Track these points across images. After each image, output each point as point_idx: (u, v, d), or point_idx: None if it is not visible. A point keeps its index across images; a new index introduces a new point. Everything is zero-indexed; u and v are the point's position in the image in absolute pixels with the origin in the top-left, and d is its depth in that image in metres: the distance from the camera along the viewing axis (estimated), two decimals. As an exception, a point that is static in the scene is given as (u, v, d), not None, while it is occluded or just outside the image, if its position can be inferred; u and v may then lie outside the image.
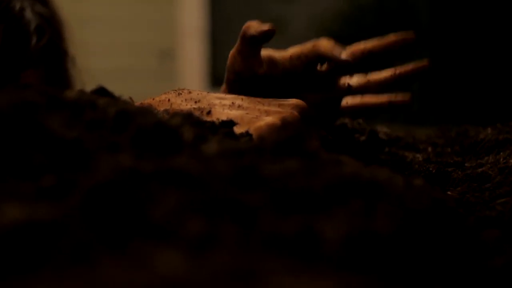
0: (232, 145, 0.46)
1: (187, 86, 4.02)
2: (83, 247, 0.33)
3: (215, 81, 3.90)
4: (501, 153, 0.75)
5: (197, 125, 0.54)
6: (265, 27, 0.77)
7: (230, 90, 0.80)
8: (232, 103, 0.72)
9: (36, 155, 0.45)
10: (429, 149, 0.86)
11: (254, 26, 0.77)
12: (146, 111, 0.52)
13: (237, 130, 0.66)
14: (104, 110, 0.50)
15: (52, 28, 1.14)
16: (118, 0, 3.91)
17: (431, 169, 0.72)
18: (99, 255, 0.33)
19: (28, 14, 1.09)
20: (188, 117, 0.53)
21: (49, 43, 1.12)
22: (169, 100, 0.73)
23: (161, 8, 3.93)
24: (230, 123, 0.66)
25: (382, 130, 0.90)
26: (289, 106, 0.72)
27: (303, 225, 0.35)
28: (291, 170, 0.42)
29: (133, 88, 3.60)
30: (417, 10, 3.87)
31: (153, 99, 0.74)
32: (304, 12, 4.23)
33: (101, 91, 0.59)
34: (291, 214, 0.37)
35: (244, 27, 0.78)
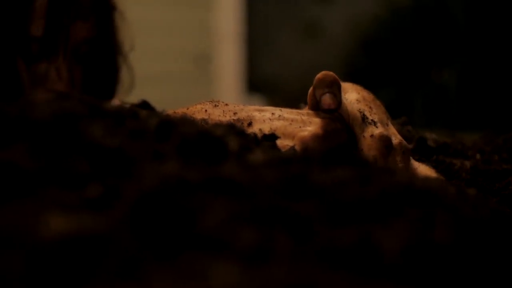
0: (279, 154, 0.44)
1: (223, 90, 4.03)
2: (133, 261, 0.32)
3: (251, 85, 3.89)
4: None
5: (241, 135, 0.53)
6: (333, 105, 0.72)
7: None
8: (272, 114, 0.71)
9: (79, 164, 0.44)
10: (477, 156, 0.84)
11: (326, 100, 0.74)
12: (189, 121, 0.51)
13: (281, 140, 0.65)
14: (146, 120, 0.49)
15: None
16: (154, 5, 3.92)
17: (480, 178, 0.70)
18: (149, 268, 0.32)
19: None
20: (231, 127, 0.52)
21: None
22: (206, 110, 0.71)
23: (197, 13, 3.93)
24: (273, 134, 0.65)
25: (431, 137, 0.88)
26: (329, 116, 0.71)
27: (360, 236, 0.34)
28: (343, 179, 0.40)
29: (169, 93, 3.60)
30: (455, 12, 3.83)
31: (187, 108, 0.72)
32: (340, 16, 4.21)
33: (144, 105, 0.58)
34: (347, 224, 0.36)
35: (316, 82, 0.73)
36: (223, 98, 3.54)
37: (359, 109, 0.73)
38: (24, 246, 0.34)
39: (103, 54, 1.13)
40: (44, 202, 0.40)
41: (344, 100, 0.73)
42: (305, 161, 0.43)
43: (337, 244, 0.33)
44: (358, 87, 0.80)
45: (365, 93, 0.78)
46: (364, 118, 0.72)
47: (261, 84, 4.11)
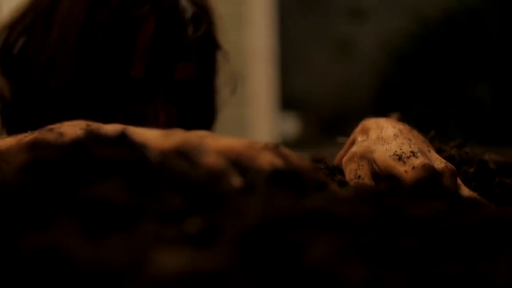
0: (370, 187, 0.45)
1: (256, 109, 4.02)
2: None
3: (284, 104, 3.90)
4: None
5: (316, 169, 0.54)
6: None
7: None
8: None
9: (173, 199, 0.45)
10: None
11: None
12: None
13: None
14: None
15: (207, 17, 1.05)
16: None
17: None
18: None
19: (184, 1, 0.99)
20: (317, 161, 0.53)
21: (205, 34, 1.03)
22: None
23: (230, 32, 3.95)
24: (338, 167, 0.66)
25: (491, 157, 0.88)
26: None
27: (467, 269, 0.35)
28: (437, 211, 0.41)
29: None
30: (488, 25, 3.82)
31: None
32: (372, 32, 4.21)
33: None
34: (450, 257, 0.36)
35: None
36: (257, 116, 3.54)
37: (395, 150, 0.75)
38: (137, 283, 0.35)
39: (201, 95, 1.08)
40: (145, 237, 0.41)
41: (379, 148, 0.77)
42: (397, 193, 0.44)
43: (445, 278, 0.34)
44: (393, 121, 0.81)
45: (401, 126, 0.80)
46: (400, 157, 0.74)
47: (294, 102, 4.12)
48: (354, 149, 0.78)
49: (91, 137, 0.47)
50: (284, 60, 4.01)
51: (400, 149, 0.75)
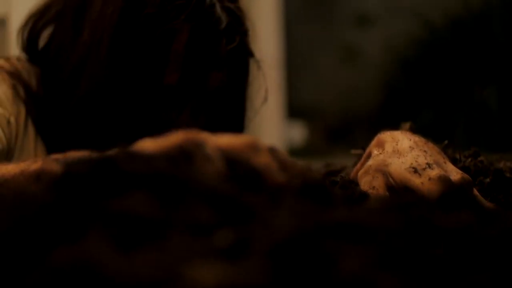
0: (397, 199, 0.46)
1: (263, 117, 4.01)
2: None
3: (291, 112, 3.90)
4: None
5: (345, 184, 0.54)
6: None
7: None
8: None
9: (201, 212, 0.46)
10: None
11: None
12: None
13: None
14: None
15: (242, 27, 1.03)
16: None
17: None
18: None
19: (218, 10, 0.98)
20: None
21: (239, 44, 1.02)
22: None
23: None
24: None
25: (506, 165, 0.87)
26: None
27: (500, 278, 0.35)
28: (466, 222, 0.41)
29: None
30: (493, 30, 3.82)
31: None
32: (378, 38, 4.21)
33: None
34: (484, 267, 0.37)
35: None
36: (263, 124, 3.54)
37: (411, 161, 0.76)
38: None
39: (232, 103, 1.07)
40: (176, 251, 0.41)
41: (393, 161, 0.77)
42: (424, 204, 0.44)
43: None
44: (408, 134, 0.82)
45: (416, 138, 0.81)
46: (416, 169, 0.74)
47: (301, 110, 4.12)
48: (370, 162, 0.79)
49: (119, 152, 0.47)
50: (290, 68, 4.02)
51: (416, 161, 0.75)
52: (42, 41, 1.05)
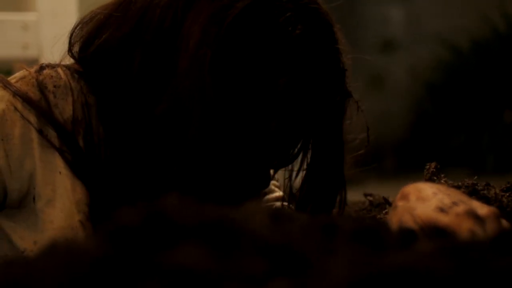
0: (448, 242, 0.45)
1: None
2: None
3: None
4: None
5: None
6: None
7: None
8: None
9: (254, 261, 0.45)
10: None
11: None
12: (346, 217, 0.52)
13: None
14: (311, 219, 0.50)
15: (342, 78, 0.97)
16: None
17: None
18: None
19: (318, 60, 0.93)
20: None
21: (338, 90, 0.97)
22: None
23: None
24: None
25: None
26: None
27: None
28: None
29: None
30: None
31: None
32: (403, 63, 4.20)
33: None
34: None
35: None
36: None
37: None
38: None
39: (327, 148, 0.99)
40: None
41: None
42: (476, 247, 0.44)
43: None
44: (430, 184, 0.84)
45: (439, 186, 0.82)
46: (442, 209, 0.75)
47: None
48: (396, 211, 0.80)
49: (171, 202, 0.47)
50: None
51: (441, 202, 0.77)
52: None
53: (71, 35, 0.96)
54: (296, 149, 0.97)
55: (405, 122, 4.08)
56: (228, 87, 0.89)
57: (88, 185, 0.90)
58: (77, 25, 0.97)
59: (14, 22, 1.93)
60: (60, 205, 0.87)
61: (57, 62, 0.95)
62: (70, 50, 0.96)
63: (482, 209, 0.75)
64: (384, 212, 0.79)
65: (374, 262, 0.43)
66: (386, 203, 1.02)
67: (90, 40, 0.94)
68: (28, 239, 0.86)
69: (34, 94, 0.88)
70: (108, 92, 0.92)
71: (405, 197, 0.81)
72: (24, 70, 0.91)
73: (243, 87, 0.89)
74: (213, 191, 0.90)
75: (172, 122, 0.89)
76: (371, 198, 1.07)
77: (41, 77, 0.90)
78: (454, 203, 0.75)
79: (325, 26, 0.93)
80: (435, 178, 0.90)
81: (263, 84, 0.89)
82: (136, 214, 0.46)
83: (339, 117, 0.97)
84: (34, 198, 0.88)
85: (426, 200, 0.78)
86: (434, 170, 0.90)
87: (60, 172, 0.89)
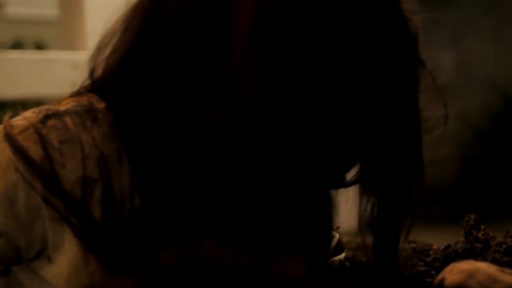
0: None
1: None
2: None
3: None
4: None
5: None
6: None
7: None
8: None
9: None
10: None
11: None
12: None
13: None
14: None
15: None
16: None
17: None
18: None
19: None
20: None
21: None
22: None
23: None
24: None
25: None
26: None
27: None
28: None
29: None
30: None
31: None
32: (452, 108, 4.16)
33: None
34: None
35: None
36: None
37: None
38: None
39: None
40: None
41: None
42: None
43: None
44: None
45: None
46: (502, 270, 0.74)
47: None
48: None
49: (207, 244, 0.47)
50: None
51: (498, 267, 0.75)
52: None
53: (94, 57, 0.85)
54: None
55: (453, 169, 4.03)
56: (293, 75, 0.75)
57: (105, 252, 0.76)
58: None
59: (64, 61, 1.97)
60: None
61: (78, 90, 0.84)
62: (91, 75, 0.84)
63: None
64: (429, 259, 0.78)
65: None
66: (429, 250, 1.01)
67: (116, 50, 0.82)
68: None
69: (36, 153, 0.76)
70: (140, 113, 0.78)
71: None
72: (30, 116, 0.78)
73: (311, 73, 0.76)
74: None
75: (231, 131, 0.74)
76: (414, 245, 1.06)
77: (44, 131, 0.76)
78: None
79: None
80: (474, 231, 0.88)
81: (335, 66, 0.76)
82: (171, 256, 0.46)
83: (414, 86, 0.86)
84: (49, 259, 0.78)
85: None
86: (473, 222, 0.88)
87: (70, 239, 0.76)
